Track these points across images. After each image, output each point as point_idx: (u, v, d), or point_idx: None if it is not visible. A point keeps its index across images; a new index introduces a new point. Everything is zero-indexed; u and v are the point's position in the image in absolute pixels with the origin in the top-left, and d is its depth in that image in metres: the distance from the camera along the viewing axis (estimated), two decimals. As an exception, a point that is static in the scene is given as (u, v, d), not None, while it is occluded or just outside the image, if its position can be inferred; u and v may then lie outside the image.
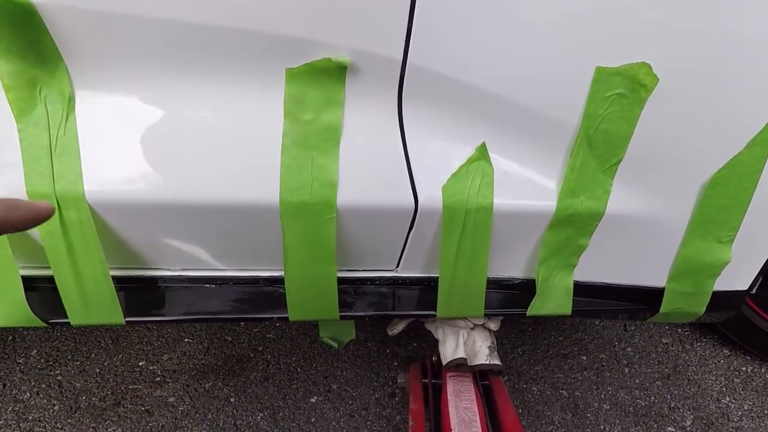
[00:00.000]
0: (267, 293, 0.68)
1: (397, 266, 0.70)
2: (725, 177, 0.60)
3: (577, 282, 0.71)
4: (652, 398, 1.02)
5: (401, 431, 0.94)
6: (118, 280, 0.62)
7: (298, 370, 1.06)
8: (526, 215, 0.62)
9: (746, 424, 0.98)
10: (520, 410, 1.00)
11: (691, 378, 1.07)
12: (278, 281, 0.68)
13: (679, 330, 1.20)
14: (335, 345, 0.88)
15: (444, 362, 0.73)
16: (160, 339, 1.12)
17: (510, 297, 0.73)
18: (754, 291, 0.79)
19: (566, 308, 0.72)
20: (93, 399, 0.99)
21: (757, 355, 1.11)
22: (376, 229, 0.62)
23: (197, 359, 1.08)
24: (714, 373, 1.09)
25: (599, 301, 0.75)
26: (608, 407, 1.00)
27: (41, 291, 0.63)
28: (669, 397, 1.03)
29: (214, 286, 0.68)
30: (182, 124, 0.55)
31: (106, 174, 0.54)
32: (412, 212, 0.60)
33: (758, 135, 0.58)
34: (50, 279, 0.59)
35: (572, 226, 0.64)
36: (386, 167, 0.58)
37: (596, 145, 0.58)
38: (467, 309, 0.69)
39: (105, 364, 1.05)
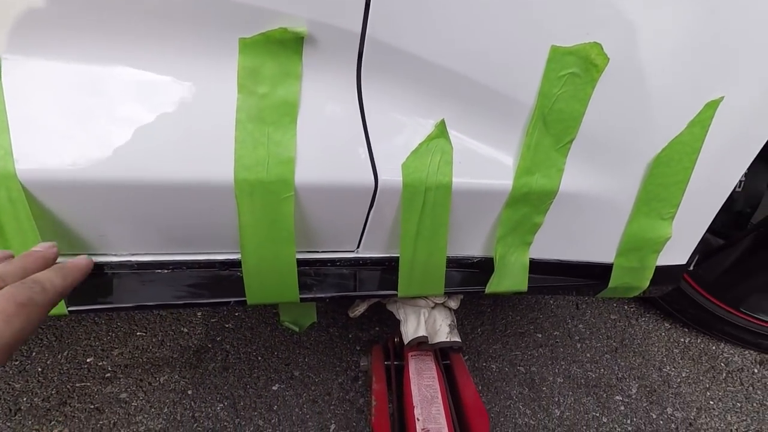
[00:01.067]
0: (223, 277, 0.66)
1: (358, 247, 0.69)
2: (667, 156, 0.64)
3: (532, 259, 0.74)
4: (602, 370, 1.08)
5: (365, 413, 0.95)
6: (59, 268, 0.58)
7: (259, 358, 1.04)
8: (485, 193, 0.63)
9: (684, 389, 1.06)
10: (480, 387, 1.02)
11: (636, 350, 1.14)
12: (235, 264, 0.66)
13: (626, 307, 1.27)
14: (297, 329, 0.87)
15: (405, 341, 0.74)
16: (110, 333, 1.07)
17: (469, 275, 0.74)
18: (691, 267, 0.84)
19: (522, 285, 0.74)
20: (35, 399, 0.93)
21: (694, 327, 1.19)
22: (336, 208, 0.61)
23: (151, 353, 1.04)
24: (656, 345, 1.16)
25: (553, 277, 0.78)
26: (562, 380, 1.05)
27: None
28: (616, 368, 1.08)
29: (166, 271, 0.65)
30: (128, 95, 0.52)
31: (39, 150, 0.50)
32: (372, 190, 0.59)
33: (697, 116, 0.61)
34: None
35: (528, 204, 0.65)
36: (345, 144, 0.57)
37: (551, 124, 0.59)
38: (428, 288, 0.69)
39: (48, 362, 0.99)
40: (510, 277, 0.73)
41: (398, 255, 0.70)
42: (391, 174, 0.59)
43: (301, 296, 0.66)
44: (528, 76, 0.56)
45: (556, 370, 1.07)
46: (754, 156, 0.67)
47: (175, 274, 0.65)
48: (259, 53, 0.52)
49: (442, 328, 0.74)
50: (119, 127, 0.52)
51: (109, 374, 0.99)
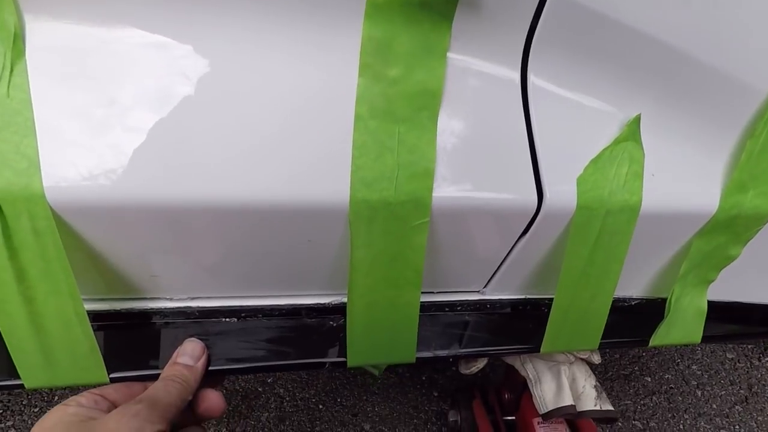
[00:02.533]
0: (312, 328, 0.49)
1: (485, 286, 0.52)
2: None
3: (710, 302, 0.56)
4: (737, 427, 0.88)
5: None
6: (94, 317, 0.42)
7: (320, 406, 0.86)
8: (678, 217, 0.46)
9: None
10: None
11: (771, 400, 0.94)
12: (327, 311, 0.49)
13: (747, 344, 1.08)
14: (375, 371, 0.70)
15: (543, 410, 0.56)
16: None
17: (622, 322, 0.56)
18: None
19: (696, 335, 0.56)
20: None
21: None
22: (476, 237, 0.44)
23: (192, 398, 0.87)
24: (793, 392, 0.97)
25: (731, 324, 0.60)
26: (692, 441, 0.86)
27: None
28: (754, 425, 0.89)
29: (235, 320, 0.48)
30: (194, 82, 0.36)
31: (76, 161, 0.34)
32: (533, 213, 0.42)
33: None
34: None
35: (729, 231, 0.48)
36: (501, 149, 0.40)
37: (788, 120, 0.42)
38: (581, 342, 0.52)
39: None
40: (682, 326, 0.55)
41: (535, 297, 0.53)
42: (562, 191, 0.41)
43: (418, 355, 0.49)
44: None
45: (682, 426, 0.88)
46: None
47: (248, 324, 0.49)
48: (395, 19, 0.36)
49: (587, 392, 0.56)
50: (182, 132, 0.35)
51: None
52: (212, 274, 0.45)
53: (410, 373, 0.94)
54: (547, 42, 0.38)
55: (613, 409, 0.56)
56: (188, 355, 0.43)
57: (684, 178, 0.44)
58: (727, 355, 1.04)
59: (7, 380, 0.41)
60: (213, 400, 0.43)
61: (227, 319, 0.48)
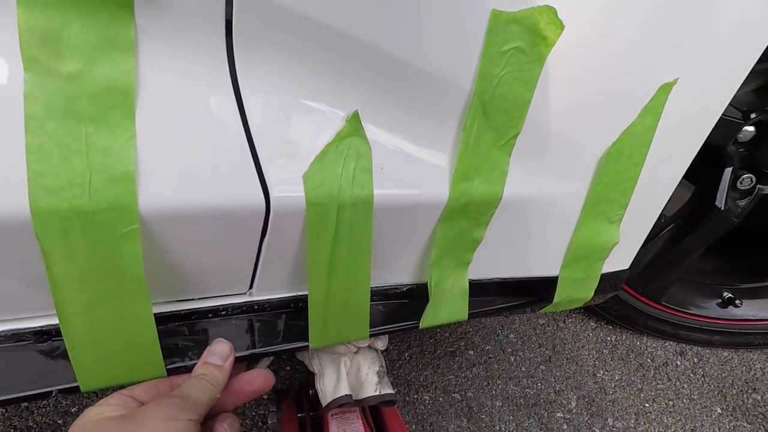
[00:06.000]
0: (43, 353, 0.44)
1: (250, 288, 0.51)
2: (618, 151, 0.54)
3: (471, 281, 0.61)
4: (539, 384, 1.00)
5: (276, 485, 0.76)
6: None
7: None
8: (415, 207, 0.49)
9: (620, 394, 1.02)
10: (413, 426, 0.89)
11: (568, 356, 1.08)
12: (58, 333, 0.44)
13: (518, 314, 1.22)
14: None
15: (324, 402, 0.57)
16: None
17: (397, 308, 0.59)
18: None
19: (462, 313, 0.61)
20: None
21: (618, 324, 1.17)
22: (212, 239, 0.43)
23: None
24: (586, 347, 1.12)
25: (493, 299, 0.66)
26: (500, 404, 0.95)
27: None
28: (553, 380, 1.01)
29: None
30: None
31: None
32: (263, 213, 0.42)
33: (650, 102, 0.52)
34: None
35: (466, 216, 0.52)
36: (215, 148, 0.39)
37: (492, 115, 0.47)
38: (348, 333, 0.53)
39: None
40: (448, 306, 0.59)
41: (303, 293, 0.54)
42: (289, 189, 0.42)
43: (168, 367, 0.46)
44: (466, 52, 0.43)
45: (494, 392, 0.97)
46: (700, 146, 0.61)
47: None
48: (59, 6, 0.32)
49: (368, 378, 0.58)
50: None
51: None
52: None
53: (241, 379, 0.90)
54: (248, 38, 0.38)
55: (392, 392, 0.59)
56: (217, 355, 0.45)
57: (413, 171, 0.47)
58: (539, 320, 1.18)
59: None
60: (258, 378, 0.48)
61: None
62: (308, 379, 0.73)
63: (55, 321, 0.44)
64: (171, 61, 0.37)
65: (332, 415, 0.61)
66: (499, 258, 0.61)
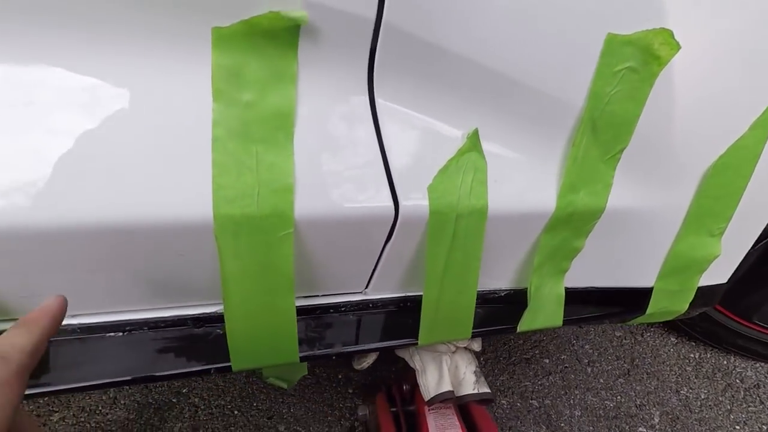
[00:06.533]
0: (198, 337, 0.51)
1: (366, 287, 0.56)
2: (725, 164, 0.55)
3: (567, 289, 0.63)
4: (619, 398, 0.99)
5: (367, 474, 0.81)
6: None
7: (235, 412, 0.88)
8: (523, 217, 0.52)
9: (707, 413, 0.99)
10: (493, 429, 0.91)
11: (649, 371, 1.06)
12: (211, 320, 0.52)
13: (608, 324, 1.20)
14: (285, 385, 0.73)
15: (427, 397, 0.61)
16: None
17: (495, 312, 0.63)
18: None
19: (557, 319, 0.63)
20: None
21: (703, 341, 1.13)
22: (345, 243, 0.48)
23: (101, 415, 0.85)
24: (667, 363, 1.09)
25: (587, 307, 0.68)
26: (579, 413, 0.95)
27: None
28: (633, 394, 1.00)
29: (120, 334, 0.50)
30: (63, 109, 0.37)
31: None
32: (392, 220, 0.47)
33: (761, 116, 0.53)
34: None
35: (569, 226, 0.55)
36: (357, 163, 0.45)
37: (600, 130, 0.49)
38: (454, 332, 0.57)
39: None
40: (545, 312, 0.62)
41: (415, 294, 0.58)
42: (415, 199, 0.46)
43: (302, 355, 0.52)
44: (578, 72, 0.46)
45: (572, 402, 0.97)
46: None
47: (134, 338, 0.50)
48: (241, 48, 0.39)
49: (467, 378, 0.62)
50: (49, 155, 0.37)
51: (49, 448, 0.81)
52: (91, 290, 0.46)
53: (327, 373, 0.97)
54: (388, 66, 0.43)
55: (489, 391, 0.62)
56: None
57: (524, 183, 0.51)
58: (616, 333, 1.16)
59: None
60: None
61: (111, 334, 0.49)
62: (401, 379, 0.77)
63: (208, 309, 0.52)
64: (320, 87, 0.43)
65: (429, 410, 0.65)
66: (595, 267, 0.63)
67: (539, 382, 1.00)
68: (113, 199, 0.38)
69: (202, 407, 0.88)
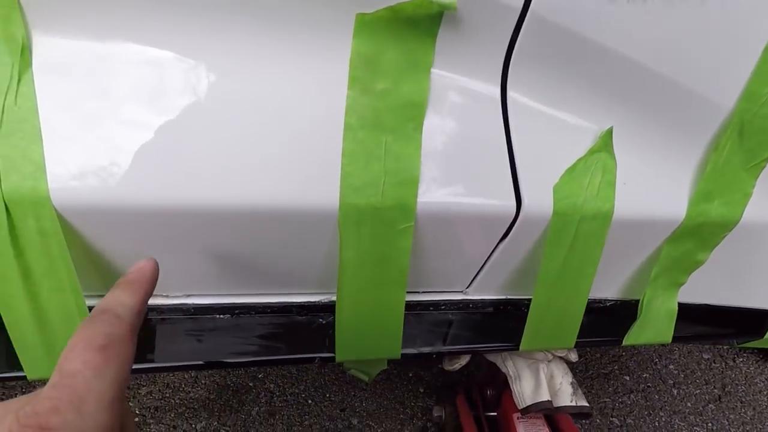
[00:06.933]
0: (302, 324, 0.52)
1: (468, 286, 0.55)
2: None
3: (679, 304, 0.59)
4: (710, 425, 0.92)
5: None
6: (94, 312, 0.44)
7: (309, 401, 0.89)
8: (649, 223, 0.49)
9: (813, 451, 0.90)
10: (571, 444, 0.87)
11: (743, 399, 0.98)
12: (317, 309, 0.52)
13: (717, 345, 1.11)
14: (366, 378, 0.72)
15: (521, 405, 0.59)
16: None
17: (599, 322, 0.59)
18: None
19: (667, 336, 0.59)
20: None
21: (805, 371, 1.03)
22: (458, 240, 0.47)
23: (184, 392, 0.89)
24: (764, 392, 1.00)
25: (696, 325, 0.63)
26: (666, 437, 0.89)
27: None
28: (726, 423, 0.93)
29: (229, 316, 0.51)
30: (193, 92, 0.38)
31: (78, 165, 0.36)
32: (512, 219, 0.45)
33: None
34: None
35: (696, 237, 0.51)
36: (482, 158, 0.43)
37: (748, 135, 0.45)
38: (558, 340, 0.55)
39: (66, 402, 0.85)
40: (654, 326, 0.58)
41: (515, 297, 0.56)
42: (539, 198, 0.44)
43: (403, 352, 0.51)
44: (735, 69, 0.42)
45: (657, 424, 0.91)
46: None
47: (241, 321, 0.51)
48: (381, 35, 0.38)
49: (563, 388, 0.59)
50: (181, 137, 0.38)
51: (137, 418, 0.85)
52: (208, 273, 0.47)
53: (397, 370, 0.96)
54: (525, 59, 0.41)
55: (587, 405, 0.59)
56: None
57: (654, 188, 0.47)
58: (703, 355, 1.08)
59: (9, 372, 0.43)
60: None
61: (221, 316, 0.51)
62: (474, 379, 0.75)
63: (313, 298, 0.52)
64: (452, 77, 0.42)
65: (518, 419, 0.63)
66: (714, 283, 0.58)
67: (620, 400, 0.95)
68: (242, 186, 0.39)
69: (278, 394, 0.90)
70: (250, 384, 0.91)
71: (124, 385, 0.25)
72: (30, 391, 0.81)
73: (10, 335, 0.40)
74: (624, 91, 0.43)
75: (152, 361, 0.48)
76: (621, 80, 0.42)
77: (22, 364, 0.42)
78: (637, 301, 0.58)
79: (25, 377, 0.43)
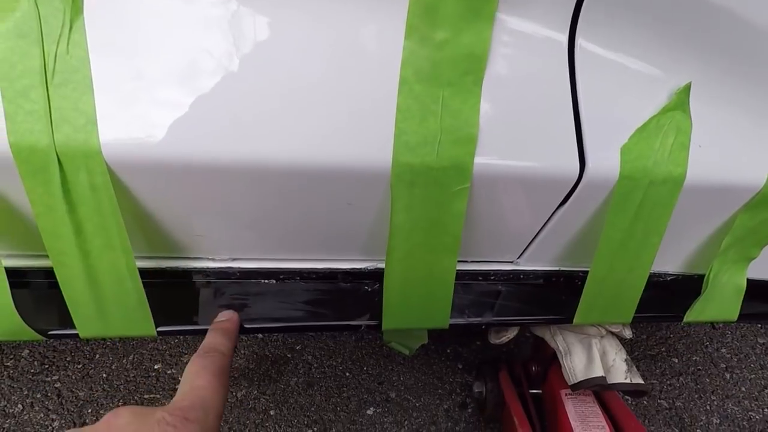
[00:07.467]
0: (347, 291, 0.51)
1: (519, 256, 0.52)
2: None
3: (749, 280, 0.55)
4: (766, 410, 0.87)
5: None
6: (142, 274, 0.44)
7: (347, 374, 0.89)
8: (724, 190, 0.45)
9: None
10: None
11: (802, 385, 0.93)
12: (363, 275, 0.51)
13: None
14: (406, 351, 0.71)
15: (572, 381, 0.56)
16: (178, 336, 0.95)
17: (657, 297, 0.56)
18: None
19: (733, 313, 0.55)
20: (101, 411, 0.81)
21: None
22: (514, 205, 0.44)
23: (224, 361, 0.90)
24: (825, 379, 0.94)
25: (765, 304, 0.59)
26: (718, 421, 0.85)
27: (36, 289, 0.45)
28: (784, 408, 0.88)
29: (274, 281, 0.50)
30: (246, 45, 0.36)
31: (128, 118, 0.35)
32: (574, 182, 0.42)
33: None
34: (48, 272, 0.40)
35: (775, 206, 0.46)
36: (544, 115, 0.40)
37: None
38: (615, 315, 0.52)
39: (113, 367, 0.88)
40: (719, 303, 0.54)
41: (568, 269, 0.53)
42: (605, 160, 0.41)
43: (451, 322, 0.49)
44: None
45: (708, 407, 0.87)
46: None
47: (285, 287, 0.50)
48: (441, -21, 0.36)
49: (617, 365, 0.56)
50: (232, 94, 0.36)
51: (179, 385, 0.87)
52: (254, 236, 0.46)
53: (435, 345, 0.95)
54: (597, 5, 0.37)
55: (643, 382, 0.56)
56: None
57: (732, 151, 0.43)
58: (759, 339, 1.02)
59: (63, 329, 0.44)
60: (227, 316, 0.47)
61: (266, 281, 0.50)
62: (515, 355, 0.73)
63: (359, 265, 0.50)
64: (515, 25, 0.39)
65: (567, 395, 0.60)
66: (789, 258, 0.54)
67: (668, 382, 0.91)
68: (291, 143, 0.37)
69: (315, 365, 0.90)
70: (288, 355, 0.92)
71: (224, 403, 0.37)
72: (78, 351, 0.82)
73: (63, 293, 0.41)
74: (704, 39, 0.39)
75: (197, 323, 0.48)
76: (702, 26, 0.38)
77: (75, 322, 0.43)
78: (700, 277, 0.54)
79: (77, 335, 0.44)
